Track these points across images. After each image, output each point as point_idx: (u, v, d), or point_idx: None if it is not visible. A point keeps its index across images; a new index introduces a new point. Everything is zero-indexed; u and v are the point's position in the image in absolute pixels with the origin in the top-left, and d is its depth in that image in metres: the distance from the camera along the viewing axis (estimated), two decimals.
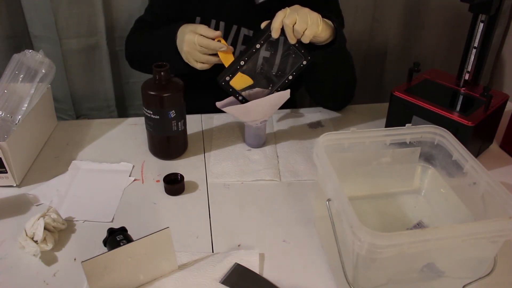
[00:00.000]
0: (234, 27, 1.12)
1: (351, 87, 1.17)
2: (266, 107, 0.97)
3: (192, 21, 1.10)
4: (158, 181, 0.93)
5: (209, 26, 1.09)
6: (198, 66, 1.00)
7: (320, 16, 0.91)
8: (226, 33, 1.12)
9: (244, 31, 1.12)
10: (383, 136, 0.79)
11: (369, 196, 0.85)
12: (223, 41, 0.96)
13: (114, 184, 0.92)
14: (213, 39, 0.96)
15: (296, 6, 0.91)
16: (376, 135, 0.78)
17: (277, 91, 0.97)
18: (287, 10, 0.89)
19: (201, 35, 0.96)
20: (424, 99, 0.98)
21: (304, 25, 0.88)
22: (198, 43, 0.96)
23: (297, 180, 0.95)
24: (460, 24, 1.46)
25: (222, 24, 1.11)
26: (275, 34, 0.89)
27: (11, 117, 0.94)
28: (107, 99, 1.49)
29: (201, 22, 1.11)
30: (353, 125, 0.82)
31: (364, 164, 0.82)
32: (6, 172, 0.88)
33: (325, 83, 1.13)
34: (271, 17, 0.90)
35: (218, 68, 0.97)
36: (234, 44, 1.13)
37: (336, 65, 1.07)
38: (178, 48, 1.02)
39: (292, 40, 0.90)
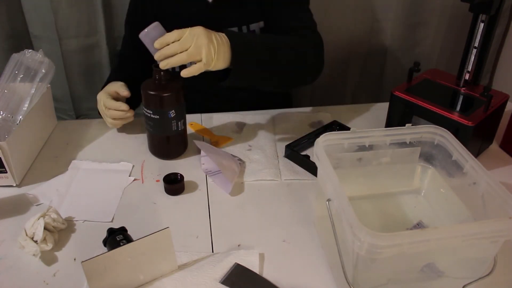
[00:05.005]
0: None
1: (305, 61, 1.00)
2: None
3: None
4: (158, 181, 0.93)
5: None
6: (109, 122, 1.04)
7: (215, 47, 0.81)
8: None
9: None
10: (383, 136, 0.78)
11: (369, 196, 0.85)
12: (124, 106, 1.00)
13: (114, 184, 0.92)
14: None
15: (199, 32, 0.81)
16: (376, 135, 0.78)
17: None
18: (186, 33, 0.80)
19: (111, 95, 1.01)
20: (424, 99, 0.98)
21: (195, 58, 0.80)
22: (104, 103, 1.00)
23: (297, 180, 0.95)
24: (460, 24, 1.46)
25: None
26: (157, 55, 0.81)
27: (12, 117, 0.94)
28: None
29: None
30: (353, 125, 0.82)
31: (364, 164, 0.81)
32: (6, 172, 0.88)
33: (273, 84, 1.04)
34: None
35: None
36: None
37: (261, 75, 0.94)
38: None
39: (163, 65, 0.82)
